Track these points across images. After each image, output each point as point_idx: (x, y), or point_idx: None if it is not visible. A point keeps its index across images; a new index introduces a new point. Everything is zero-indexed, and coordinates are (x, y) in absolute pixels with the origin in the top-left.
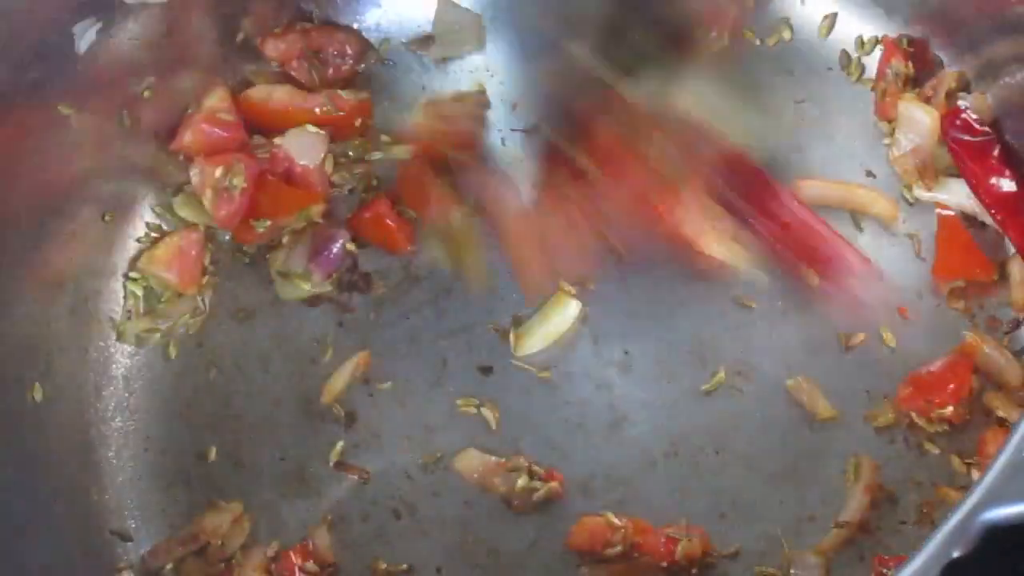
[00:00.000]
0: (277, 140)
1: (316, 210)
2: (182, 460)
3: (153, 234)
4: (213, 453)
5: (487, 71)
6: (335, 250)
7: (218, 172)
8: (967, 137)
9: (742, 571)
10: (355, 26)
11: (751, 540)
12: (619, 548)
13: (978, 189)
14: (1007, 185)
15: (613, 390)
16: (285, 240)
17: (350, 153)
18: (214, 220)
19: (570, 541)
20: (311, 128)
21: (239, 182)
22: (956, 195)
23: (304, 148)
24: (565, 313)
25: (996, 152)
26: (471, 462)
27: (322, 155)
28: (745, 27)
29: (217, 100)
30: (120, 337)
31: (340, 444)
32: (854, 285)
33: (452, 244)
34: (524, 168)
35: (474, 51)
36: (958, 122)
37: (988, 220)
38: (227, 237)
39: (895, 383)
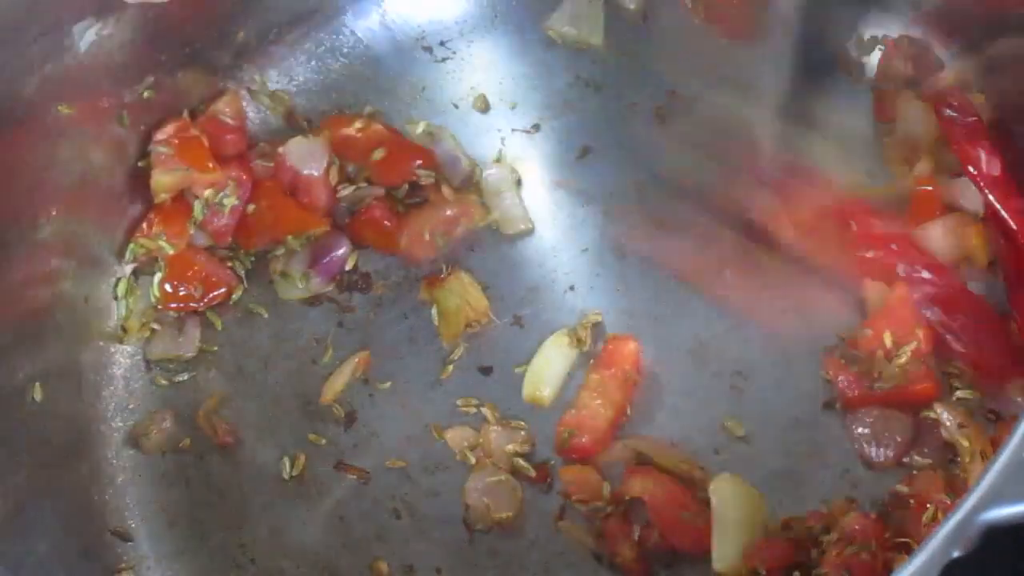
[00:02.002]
0: (280, 149)
1: (320, 231)
2: (182, 460)
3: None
4: (213, 453)
5: (487, 71)
6: (335, 256)
7: (207, 192)
8: (960, 116)
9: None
10: (354, 27)
11: None
12: (608, 509)
13: (976, 177)
14: (997, 168)
15: None
16: (281, 252)
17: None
18: (204, 230)
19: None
20: (312, 137)
21: (230, 202)
22: (956, 194)
23: (307, 156)
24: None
25: (988, 135)
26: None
27: (325, 163)
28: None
29: (223, 104)
30: (121, 338)
31: (340, 444)
32: None
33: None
34: (524, 168)
35: (591, 44)
36: (953, 104)
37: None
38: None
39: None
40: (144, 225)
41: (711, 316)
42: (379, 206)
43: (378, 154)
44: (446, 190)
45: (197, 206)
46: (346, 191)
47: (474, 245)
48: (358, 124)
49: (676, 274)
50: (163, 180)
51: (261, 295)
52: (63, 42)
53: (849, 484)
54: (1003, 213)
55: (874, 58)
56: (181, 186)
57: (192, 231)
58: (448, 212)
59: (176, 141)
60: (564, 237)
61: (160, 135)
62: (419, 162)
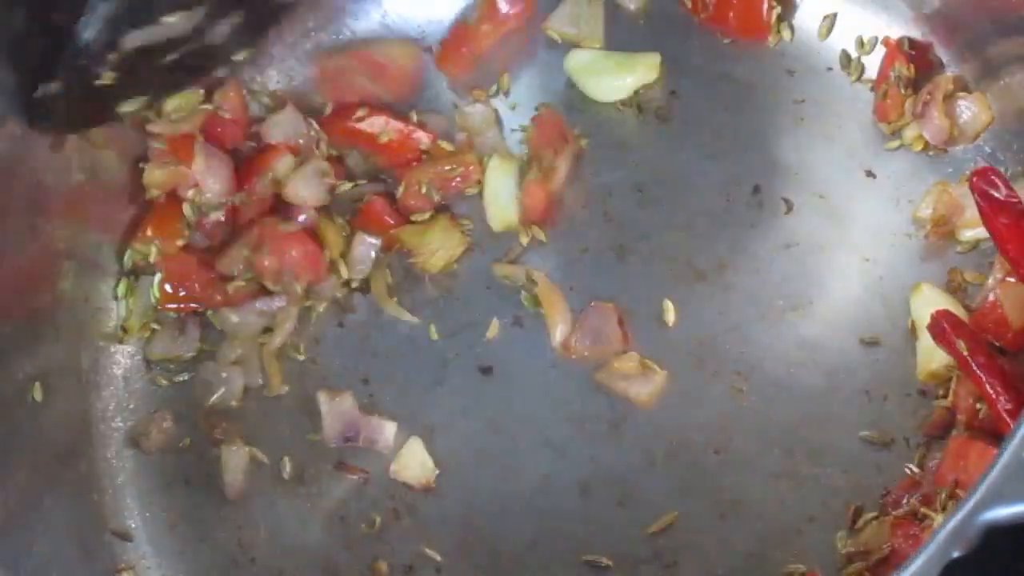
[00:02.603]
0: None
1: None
2: (182, 460)
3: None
4: (213, 453)
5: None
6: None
7: (191, 192)
8: (995, 193)
9: (743, 572)
10: (355, 27)
11: (751, 540)
12: None
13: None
14: None
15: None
16: None
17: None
18: (199, 231)
19: None
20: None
21: (217, 215)
22: None
23: (288, 129)
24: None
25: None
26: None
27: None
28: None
29: (221, 99)
30: (121, 338)
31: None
32: None
33: None
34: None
35: (591, 44)
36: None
37: None
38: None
39: (893, 386)
40: (139, 231)
41: (711, 316)
42: (379, 201)
43: (385, 136)
44: (445, 144)
45: (186, 208)
46: (344, 188)
47: (474, 246)
48: (359, 113)
49: (676, 273)
50: (154, 175)
51: None
52: (63, 42)
53: (850, 484)
54: None
55: (874, 58)
56: (172, 182)
57: (188, 232)
58: (445, 167)
59: (167, 135)
60: (564, 237)
61: (154, 128)
62: (420, 133)
